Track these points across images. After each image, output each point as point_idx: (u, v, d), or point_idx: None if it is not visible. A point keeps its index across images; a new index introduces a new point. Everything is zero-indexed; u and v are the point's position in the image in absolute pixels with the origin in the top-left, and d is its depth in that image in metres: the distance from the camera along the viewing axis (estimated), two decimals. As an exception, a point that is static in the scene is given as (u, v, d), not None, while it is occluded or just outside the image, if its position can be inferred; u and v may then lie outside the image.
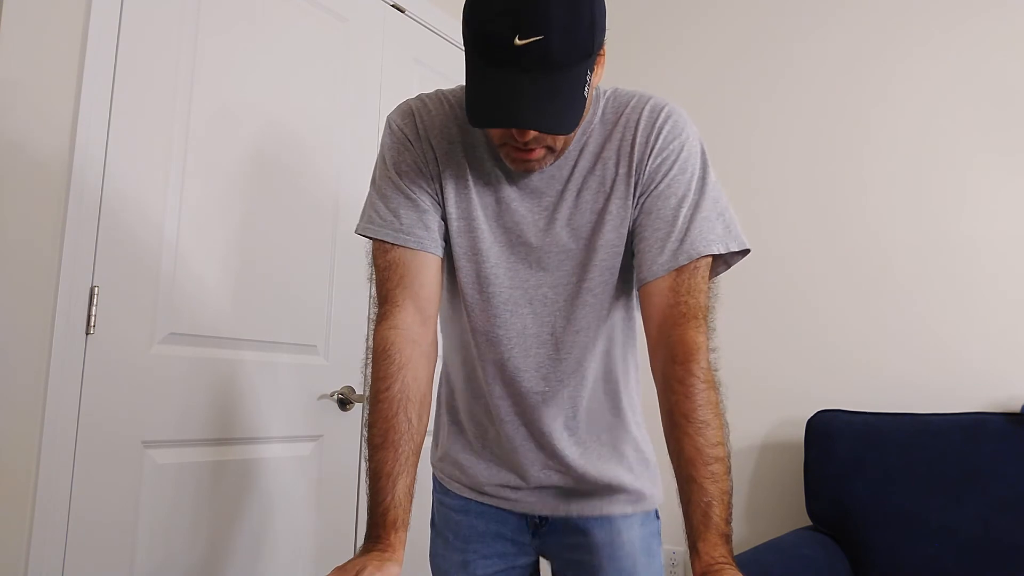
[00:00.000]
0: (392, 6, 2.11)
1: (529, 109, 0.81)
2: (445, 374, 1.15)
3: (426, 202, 0.98)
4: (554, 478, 1.05)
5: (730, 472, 0.85)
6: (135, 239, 1.48)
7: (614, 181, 0.96)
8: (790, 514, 2.02)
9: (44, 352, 1.33)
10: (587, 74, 0.84)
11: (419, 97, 1.03)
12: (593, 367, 1.03)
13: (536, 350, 1.01)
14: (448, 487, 1.13)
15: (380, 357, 0.94)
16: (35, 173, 1.35)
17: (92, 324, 1.40)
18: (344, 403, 1.86)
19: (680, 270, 0.91)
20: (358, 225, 1.02)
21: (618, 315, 1.04)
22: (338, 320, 1.87)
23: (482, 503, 1.10)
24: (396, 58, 2.11)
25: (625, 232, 0.97)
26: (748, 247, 0.95)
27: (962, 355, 1.88)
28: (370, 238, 1.00)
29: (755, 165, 2.24)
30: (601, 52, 0.89)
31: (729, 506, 0.83)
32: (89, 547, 1.38)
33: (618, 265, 0.99)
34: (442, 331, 1.10)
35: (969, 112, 1.94)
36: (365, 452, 0.92)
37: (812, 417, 1.92)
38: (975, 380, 1.85)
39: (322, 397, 1.83)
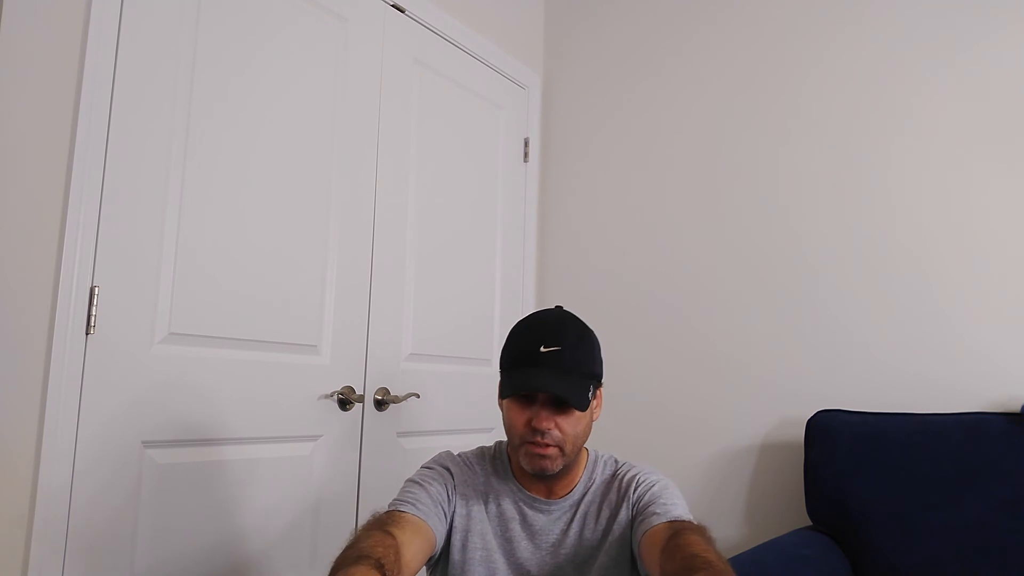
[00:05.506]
0: (392, 6, 2.11)
1: (548, 383, 1.13)
2: None
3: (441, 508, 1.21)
4: None
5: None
6: (135, 239, 1.48)
7: (611, 525, 1.21)
8: (790, 514, 2.02)
9: (44, 352, 1.34)
10: (590, 389, 1.18)
11: (459, 454, 1.31)
12: None
13: None
14: None
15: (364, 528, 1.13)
16: (35, 173, 1.35)
17: (92, 324, 1.40)
18: (344, 403, 1.86)
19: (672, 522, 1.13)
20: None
21: None
22: (338, 320, 1.87)
23: None
24: (396, 58, 2.11)
25: (623, 547, 1.19)
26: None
27: (962, 355, 1.88)
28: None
29: (754, 166, 2.24)
30: (599, 395, 1.24)
31: None
32: (89, 547, 1.38)
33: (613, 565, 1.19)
34: None
35: (965, 110, 1.94)
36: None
37: (812, 417, 1.92)
38: (975, 380, 1.85)
39: (322, 397, 1.83)
